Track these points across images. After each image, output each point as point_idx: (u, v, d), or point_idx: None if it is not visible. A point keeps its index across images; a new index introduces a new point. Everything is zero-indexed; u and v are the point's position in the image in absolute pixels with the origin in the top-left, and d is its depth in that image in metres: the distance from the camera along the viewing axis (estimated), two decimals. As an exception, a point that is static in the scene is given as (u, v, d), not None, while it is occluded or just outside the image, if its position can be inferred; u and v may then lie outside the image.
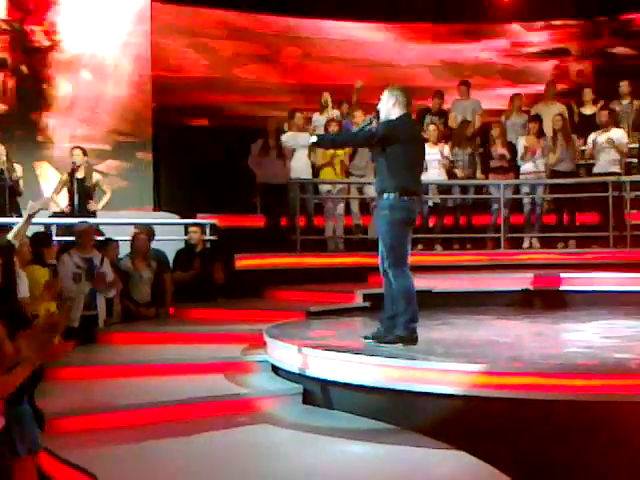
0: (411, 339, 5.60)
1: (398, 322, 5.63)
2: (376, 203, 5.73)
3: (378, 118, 5.81)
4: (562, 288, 8.63)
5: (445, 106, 11.91)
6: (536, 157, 10.45)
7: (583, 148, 10.73)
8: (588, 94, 11.62)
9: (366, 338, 5.79)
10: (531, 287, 8.73)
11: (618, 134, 10.27)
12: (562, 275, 8.87)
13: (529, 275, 8.91)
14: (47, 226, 8.52)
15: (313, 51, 13.89)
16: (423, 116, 11.54)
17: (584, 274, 8.83)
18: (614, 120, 10.51)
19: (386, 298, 5.81)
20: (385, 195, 5.57)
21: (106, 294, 7.42)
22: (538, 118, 10.76)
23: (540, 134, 10.53)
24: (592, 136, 10.37)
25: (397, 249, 5.58)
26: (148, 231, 8.51)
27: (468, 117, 11.34)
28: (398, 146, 5.55)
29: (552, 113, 11.06)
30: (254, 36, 13.43)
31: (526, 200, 10.55)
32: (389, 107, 5.66)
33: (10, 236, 5.78)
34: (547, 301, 8.52)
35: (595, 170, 10.34)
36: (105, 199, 9.44)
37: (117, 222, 9.28)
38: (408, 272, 5.63)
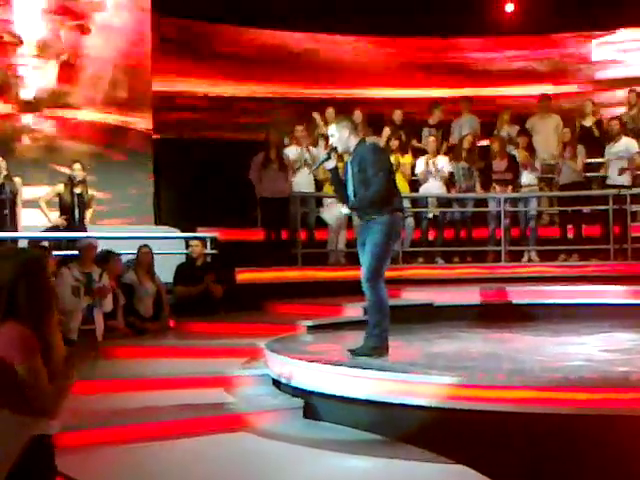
0: (385, 348, 5.73)
1: (372, 333, 5.72)
2: (365, 220, 5.79)
3: (336, 151, 5.91)
4: (562, 301, 8.61)
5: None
6: (528, 170, 10.49)
7: (590, 160, 10.75)
8: (589, 106, 11.66)
9: (351, 352, 5.80)
10: (530, 300, 8.73)
11: (630, 144, 10.30)
12: (562, 288, 8.87)
13: (528, 288, 8.92)
14: (41, 240, 8.57)
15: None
16: (421, 129, 11.58)
17: (584, 287, 8.83)
18: (625, 130, 10.57)
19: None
20: (380, 213, 5.68)
21: (102, 308, 7.41)
22: (527, 132, 10.82)
23: (530, 148, 10.59)
24: (607, 148, 10.41)
25: (382, 261, 5.72)
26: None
27: (464, 133, 11.37)
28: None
29: (548, 126, 11.11)
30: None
31: (521, 213, 10.58)
32: (345, 139, 5.79)
33: None
34: (547, 314, 8.50)
35: (608, 182, 10.38)
36: (89, 214, 9.44)
37: (118, 236, 9.29)
38: (383, 285, 5.75)
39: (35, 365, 2.88)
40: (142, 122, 11.94)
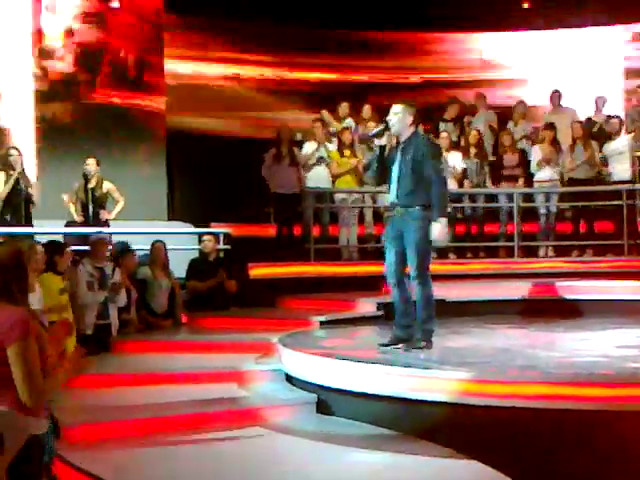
0: (431, 342, 5.86)
1: (422, 329, 5.81)
2: (402, 213, 5.82)
3: (387, 129, 5.91)
4: (576, 297, 8.58)
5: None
6: (551, 165, 10.45)
7: (602, 156, 10.73)
8: (601, 102, 11.61)
9: (383, 345, 5.85)
10: (544, 296, 8.70)
11: (624, 141, 10.27)
12: (576, 284, 8.84)
13: (542, 283, 8.89)
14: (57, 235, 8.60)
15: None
16: (437, 124, 11.56)
17: (599, 282, 8.79)
18: (624, 127, 10.53)
19: (400, 307, 5.92)
20: (419, 207, 5.74)
21: (116, 302, 7.43)
22: (552, 127, 10.76)
23: (554, 142, 10.54)
24: (606, 145, 10.40)
25: (428, 257, 5.86)
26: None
27: (480, 128, 11.33)
28: None
29: (563, 120, 11.06)
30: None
31: (542, 209, 10.54)
32: (405, 124, 5.84)
33: None
34: (561, 310, 8.47)
35: (612, 178, 10.35)
36: (118, 207, 9.49)
37: (131, 232, 9.31)
38: (431, 280, 5.88)
39: (30, 347, 3.01)
40: (156, 107, 11.96)
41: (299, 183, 10.15)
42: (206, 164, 11.87)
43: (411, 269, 5.81)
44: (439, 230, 5.73)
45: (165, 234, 9.02)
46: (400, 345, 5.81)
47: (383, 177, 5.98)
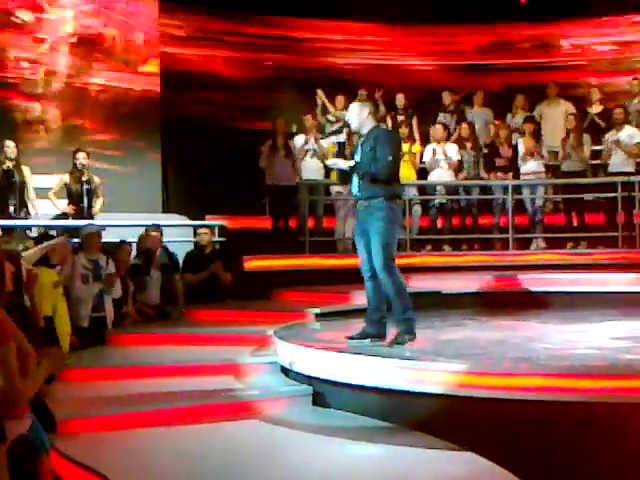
0: (414, 334, 5.75)
1: (402, 320, 5.72)
2: (365, 206, 5.80)
3: (348, 127, 5.96)
4: (570, 289, 8.60)
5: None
6: (535, 158, 10.46)
7: (597, 148, 10.72)
8: (595, 94, 11.58)
9: (350, 339, 5.84)
10: (538, 288, 8.73)
11: (630, 132, 10.27)
12: (570, 276, 8.86)
13: (536, 276, 8.91)
14: (49, 228, 8.58)
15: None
16: (435, 113, 11.57)
17: (593, 275, 8.82)
18: (628, 118, 10.54)
19: (372, 301, 5.92)
20: (381, 198, 5.70)
21: (111, 294, 7.43)
22: (533, 119, 10.78)
23: (536, 135, 10.56)
24: (607, 136, 10.38)
25: (391, 248, 5.73)
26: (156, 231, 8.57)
27: (477, 125, 11.32)
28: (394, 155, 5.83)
29: (556, 112, 11.06)
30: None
31: (527, 201, 10.57)
32: (363, 118, 5.85)
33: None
34: (555, 301, 8.50)
35: (609, 170, 10.35)
36: (99, 203, 9.44)
37: (125, 225, 9.30)
38: (397, 269, 5.77)
39: (10, 350, 2.94)
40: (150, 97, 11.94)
41: (294, 175, 10.14)
42: (201, 156, 11.83)
43: (375, 261, 5.71)
44: (339, 161, 6.03)
45: (160, 227, 9.00)
46: (367, 340, 5.78)
47: (349, 174, 5.96)
